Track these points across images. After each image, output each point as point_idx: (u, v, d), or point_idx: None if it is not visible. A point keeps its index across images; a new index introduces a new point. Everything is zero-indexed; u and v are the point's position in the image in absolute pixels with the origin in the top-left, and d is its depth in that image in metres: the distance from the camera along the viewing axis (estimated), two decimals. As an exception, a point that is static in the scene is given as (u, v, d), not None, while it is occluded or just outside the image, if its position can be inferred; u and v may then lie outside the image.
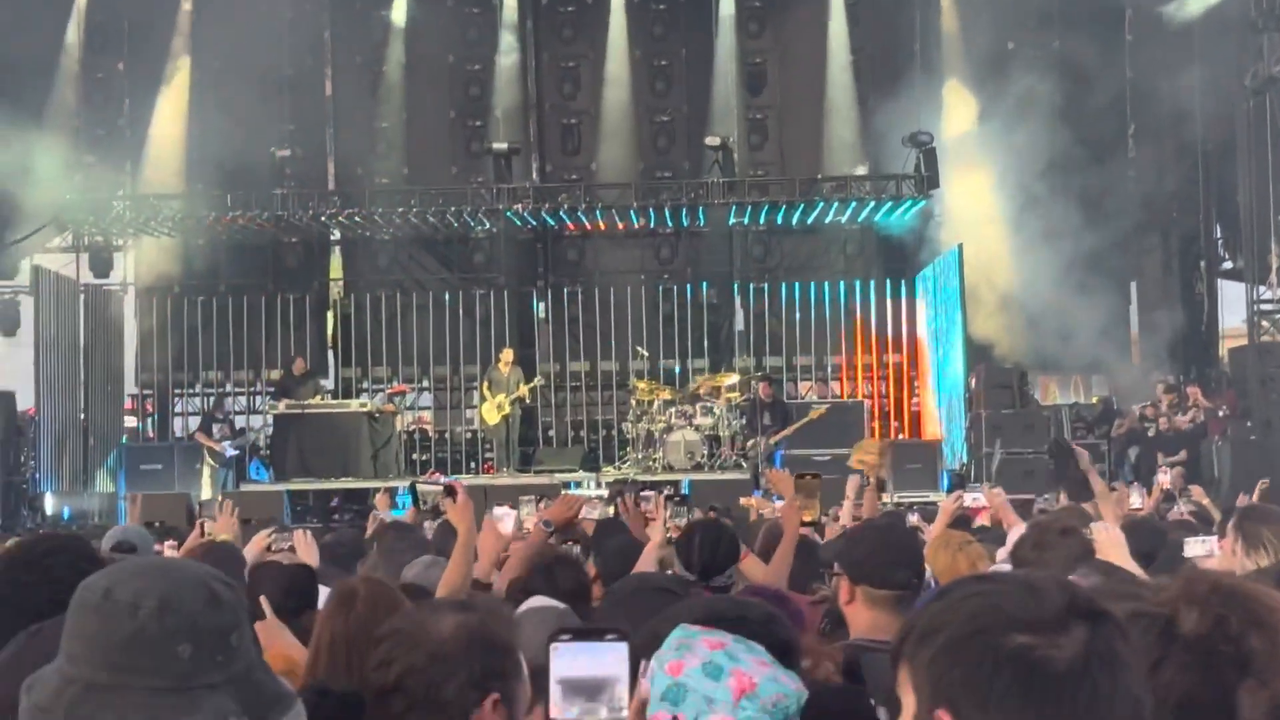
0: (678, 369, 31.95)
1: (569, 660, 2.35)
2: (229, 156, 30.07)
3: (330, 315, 33.50)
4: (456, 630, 3.77)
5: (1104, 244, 30.21)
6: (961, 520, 11.55)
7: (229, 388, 32.69)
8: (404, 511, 16.06)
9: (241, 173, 30.29)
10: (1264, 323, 28.11)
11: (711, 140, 30.73)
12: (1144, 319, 32.47)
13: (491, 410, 29.32)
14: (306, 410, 28.80)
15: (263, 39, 30.57)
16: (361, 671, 5.02)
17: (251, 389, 32.95)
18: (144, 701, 2.85)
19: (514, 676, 3.72)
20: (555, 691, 2.32)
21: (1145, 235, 32.35)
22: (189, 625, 2.89)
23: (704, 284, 32.74)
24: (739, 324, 32.83)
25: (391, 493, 21.67)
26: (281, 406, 29.07)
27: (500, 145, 30.71)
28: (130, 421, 33.33)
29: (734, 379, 28.96)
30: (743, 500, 20.71)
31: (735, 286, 32.91)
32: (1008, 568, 7.31)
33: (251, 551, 9.87)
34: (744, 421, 28.07)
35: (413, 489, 18.98)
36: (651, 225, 32.25)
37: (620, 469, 28.40)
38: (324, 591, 6.72)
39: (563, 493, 9.40)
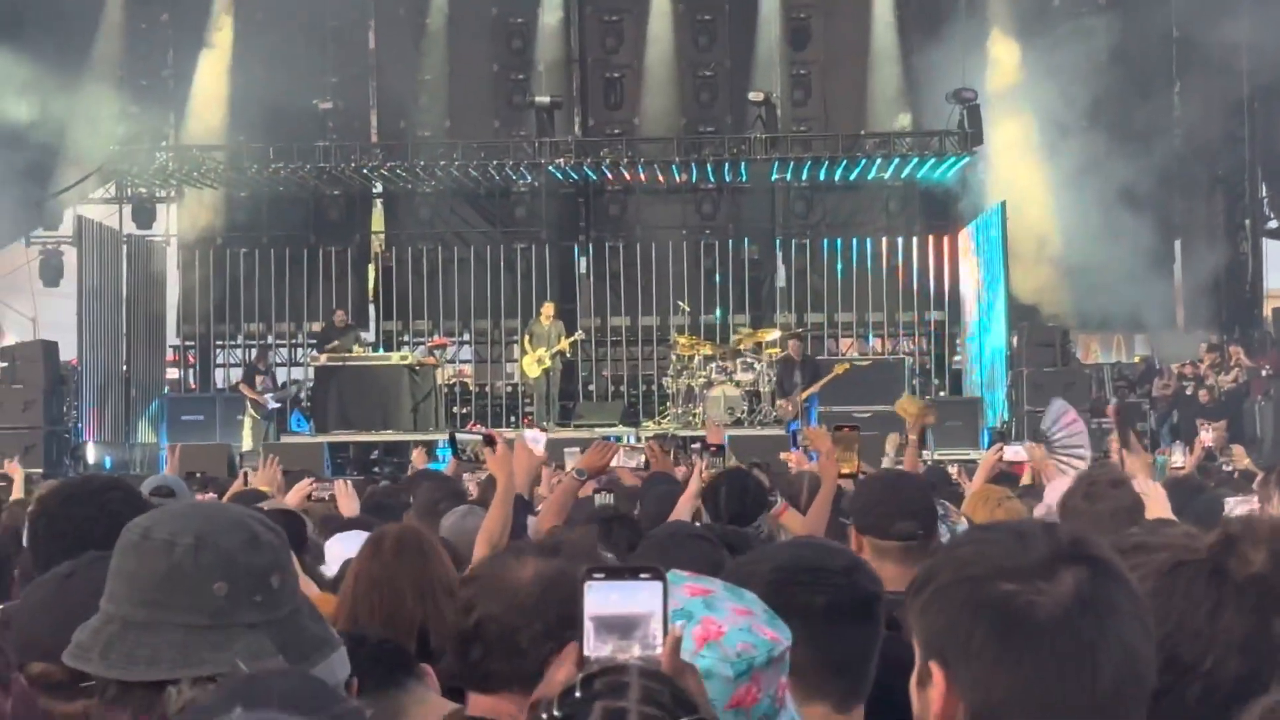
0: (719, 324, 31.91)
1: (602, 598, 2.34)
2: (272, 109, 30.11)
3: (371, 268, 33.53)
4: (534, 579, 3.72)
5: (1148, 202, 30.07)
6: (1004, 477, 11.53)
7: (270, 340, 32.76)
8: (444, 465, 16.08)
9: (284, 125, 30.33)
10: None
11: (755, 95, 30.67)
12: (1188, 278, 32.33)
13: (532, 364, 29.33)
14: (347, 363, 28.85)
15: (306, -9, 30.61)
16: (387, 615, 5.06)
17: (293, 341, 33.03)
18: (179, 639, 2.86)
19: None
20: (588, 629, 2.31)
21: (1190, 194, 32.19)
22: (225, 563, 2.89)
23: (745, 239, 32.66)
24: (780, 280, 32.76)
25: (430, 447, 21.74)
26: (323, 359, 29.13)
27: (543, 99, 30.70)
28: (172, 373, 33.47)
29: (775, 335, 28.91)
30: (782, 455, 20.68)
31: (777, 242, 32.83)
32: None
33: (293, 500, 9.90)
34: (776, 381, 27.99)
35: (452, 439, 19.04)
36: (693, 180, 32.20)
37: (660, 424, 28.39)
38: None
39: (596, 440, 9.35)
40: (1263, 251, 32.69)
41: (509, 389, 32.46)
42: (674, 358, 28.70)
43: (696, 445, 11.05)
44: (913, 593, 2.58)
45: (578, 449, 11.09)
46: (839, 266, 32.32)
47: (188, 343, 33.41)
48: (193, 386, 33.15)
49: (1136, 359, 32.22)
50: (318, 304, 32.33)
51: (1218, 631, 2.72)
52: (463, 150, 30.61)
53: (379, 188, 33.24)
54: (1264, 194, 32.71)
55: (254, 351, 31.83)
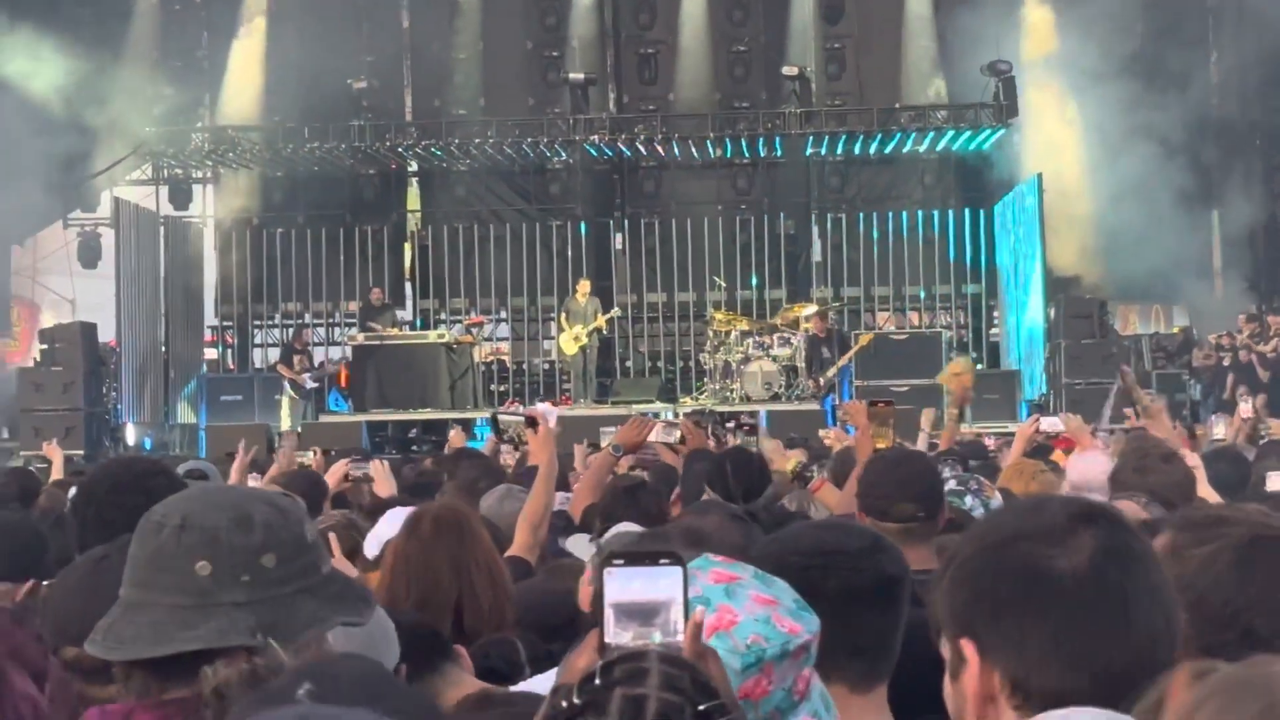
0: (755, 300, 31.88)
1: (622, 585, 2.34)
2: (307, 88, 30.17)
3: (408, 247, 33.57)
4: None
5: (1186, 172, 29.92)
6: (1042, 448, 11.50)
7: (307, 319, 32.84)
8: (483, 443, 16.11)
9: (319, 105, 30.35)
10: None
11: (789, 70, 30.61)
12: (1226, 248, 32.19)
13: (569, 341, 29.35)
14: (385, 342, 28.90)
15: (339, -30, 30.66)
16: (422, 594, 5.08)
17: (330, 320, 33.11)
18: (161, 618, 2.88)
19: None
20: (609, 616, 2.31)
21: (1228, 163, 32.01)
22: (208, 542, 2.91)
23: (781, 214, 32.62)
24: (816, 254, 32.70)
25: (468, 425, 21.78)
26: (360, 338, 29.19)
27: (577, 76, 30.69)
28: (210, 353, 33.58)
29: (811, 309, 28.85)
30: (821, 433, 20.69)
31: (812, 217, 32.78)
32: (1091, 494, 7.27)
33: (331, 479, 9.93)
34: (805, 358, 27.89)
35: (493, 419, 19.07)
36: (728, 155, 32.15)
37: (697, 400, 28.37)
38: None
39: (633, 416, 9.35)
40: (1302, 220, 32.51)
41: (546, 366, 32.51)
42: (710, 333, 28.66)
43: (730, 424, 11.06)
44: (937, 579, 2.60)
45: (614, 427, 11.09)
46: (875, 240, 32.25)
47: (225, 323, 33.52)
48: (231, 367, 33.25)
49: (1176, 330, 32.10)
50: (354, 283, 32.37)
51: None
52: (497, 128, 30.62)
53: (414, 166, 33.27)
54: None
55: (291, 332, 31.91)
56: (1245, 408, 13.48)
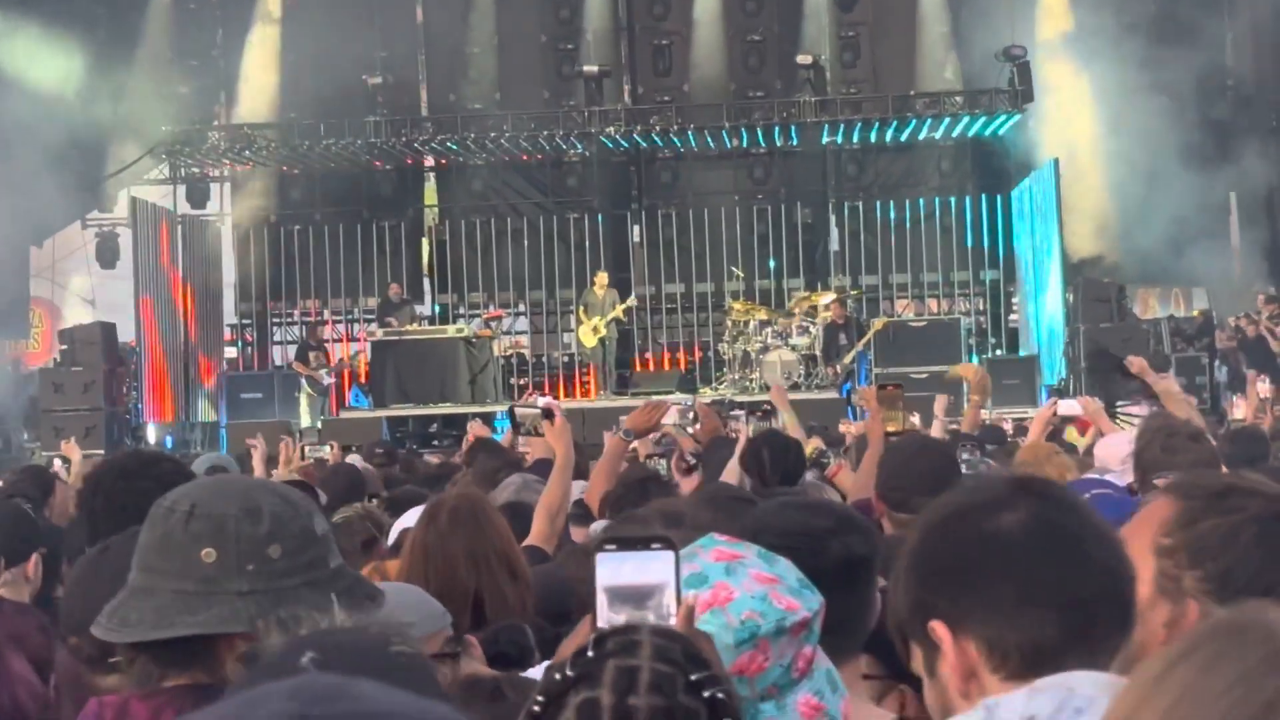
0: (773, 289, 31.87)
1: (614, 569, 2.35)
2: (322, 85, 30.16)
3: (425, 242, 33.61)
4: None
5: (1203, 154, 29.84)
6: (1053, 433, 11.48)
7: (326, 315, 32.89)
8: (501, 435, 16.12)
9: (334, 101, 30.35)
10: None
11: (803, 59, 30.58)
12: (1244, 230, 32.09)
13: (588, 333, 29.37)
14: (404, 337, 28.93)
15: (353, -34, 30.70)
16: (441, 584, 5.09)
17: (349, 316, 33.16)
18: (165, 602, 2.91)
19: None
20: (601, 600, 2.32)
21: (1245, 144, 31.89)
22: (214, 530, 2.93)
23: (798, 203, 32.61)
24: (834, 243, 32.68)
25: (488, 419, 21.79)
26: (379, 334, 29.24)
27: (591, 68, 30.69)
28: (230, 351, 33.63)
29: (829, 298, 28.86)
30: (841, 426, 20.64)
31: (830, 205, 32.76)
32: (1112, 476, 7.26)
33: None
34: (823, 345, 27.91)
35: (510, 412, 19.08)
36: (744, 145, 32.14)
37: (717, 390, 28.37)
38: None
39: (648, 400, 9.36)
40: (1320, 201, 32.40)
41: (565, 359, 32.51)
42: (729, 323, 28.66)
43: (740, 411, 11.05)
44: (893, 580, 2.65)
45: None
46: (892, 228, 32.23)
47: (244, 320, 33.58)
48: (250, 365, 33.30)
49: (1195, 313, 32.02)
50: (373, 279, 32.43)
51: None
52: (513, 121, 30.61)
53: (430, 161, 33.30)
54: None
55: (306, 329, 31.94)
56: (1264, 387, 13.47)
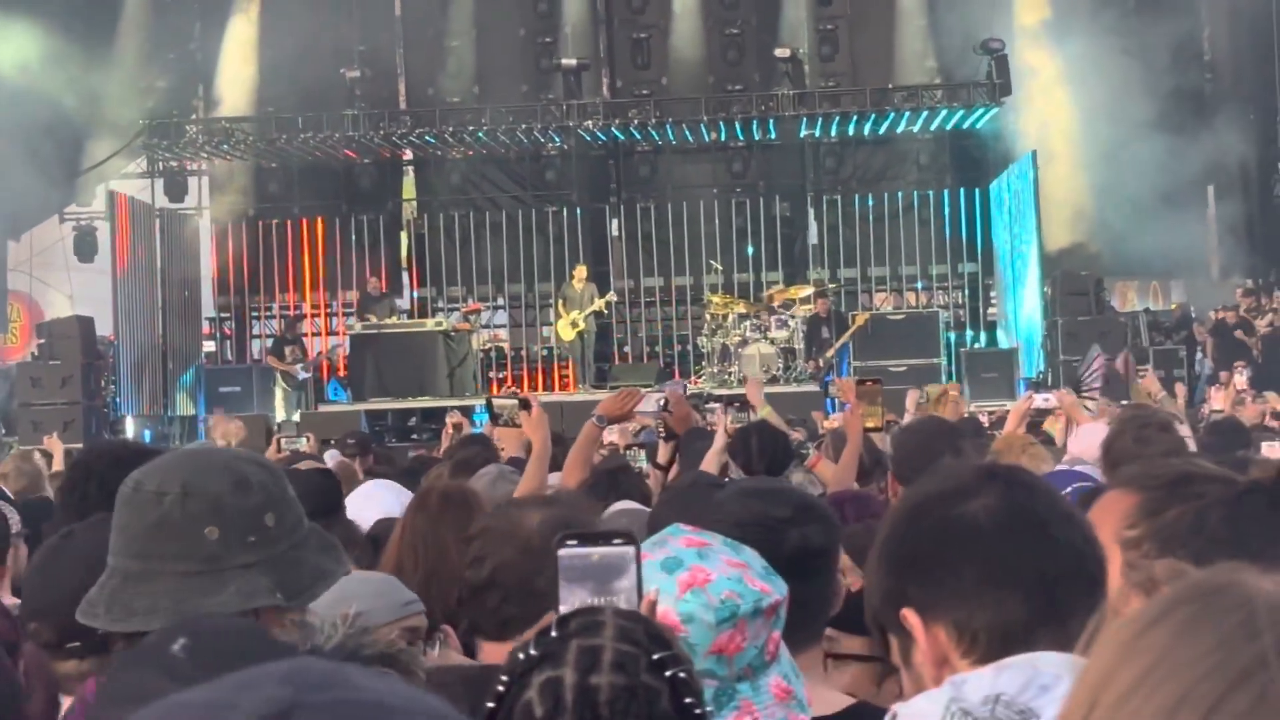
0: (752, 283, 31.90)
1: (576, 563, 2.38)
2: (300, 78, 30.15)
3: (404, 235, 33.61)
4: (543, 524, 3.89)
5: (1181, 147, 29.89)
6: (1031, 425, 11.52)
7: (305, 309, 32.87)
8: (480, 429, 16.12)
9: (312, 94, 30.33)
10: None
11: (782, 52, 30.58)
12: (1222, 223, 32.18)
13: (566, 327, 29.37)
14: (383, 330, 28.92)
15: (331, -40, 30.69)
16: (430, 568, 5.11)
17: (328, 310, 33.13)
18: (174, 586, 2.93)
19: None
20: (564, 594, 2.35)
21: (1222, 138, 31.97)
22: (213, 508, 2.96)
23: (777, 197, 32.62)
24: (812, 236, 32.72)
25: (467, 412, 21.76)
26: (358, 327, 29.24)
27: (570, 61, 30.66)
28: (208, 345, 33.58)
29: (808, 291, 28.91)
30: (825, 423, 20.64)
31: (808, 198, 32.79)
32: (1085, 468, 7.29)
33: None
34: (806, 339, 27.96)
35: (488, 404, 19.08)
36: (723, 139, 32.17)
37: (696, 384, 28.39)
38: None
39: (623, 388, 9.37)
40: (1297, 195, 32.50)
41: (544, 352, 32.51)
42: (708, 317, 28.70)
43: (718, 403, 11.10)
44: (866, 573, 2.67)
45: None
46: (871, 221, 32.26)
47: (222, 314, 33.54)
48: (229, 358, 33.26)
49: (1173, 306, 32.11)
50: (351, 273, 32.42)
51: None
52: (491, 115, 30.58)
53: (409, 155, 33.27)
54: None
55: (283, 323, 31.88)
56: (1240, 379, 13.51)
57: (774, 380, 26.87)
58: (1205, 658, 1.34)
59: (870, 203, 32.28)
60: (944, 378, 28.23)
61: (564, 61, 30.72)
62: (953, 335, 31.17)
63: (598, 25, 32.82)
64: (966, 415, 20.71)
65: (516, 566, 3.83)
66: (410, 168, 34.06)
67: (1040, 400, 11.26)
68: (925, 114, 30.46)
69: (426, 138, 31.22)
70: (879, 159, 32.90)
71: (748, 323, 27.81)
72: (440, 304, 32.66)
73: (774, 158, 32.95)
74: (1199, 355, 29.08)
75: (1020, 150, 29.95)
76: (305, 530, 3.10)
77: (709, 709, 2.20)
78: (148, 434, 28.77)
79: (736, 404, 9.53)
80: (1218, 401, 12.52)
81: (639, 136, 31.91)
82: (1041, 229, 28.57)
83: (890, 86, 30.64)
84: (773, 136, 32.05)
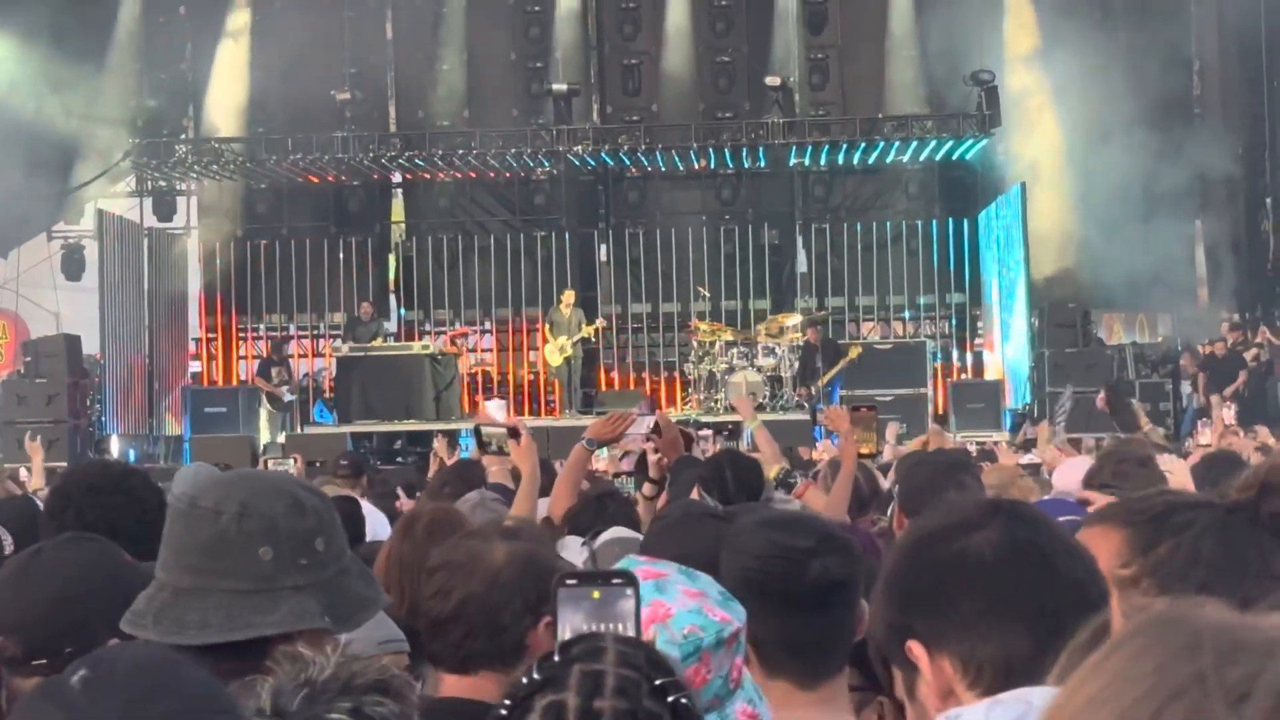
0: (739, 310, 31.92)
1: (575, 603, 2.40)
2: (290, 100, 30.20)
3: (392, 258, 33.60)
4: (509, 558, 3.88)
5: (1169, 181, 29.93)
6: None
7: (292, 331, 32.86)
8: (468, 454, 16.12)
9: (303, 116, 30.36)
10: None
11: (772, 80, 30.63)
12: (1210, 257, 32.22)
13: (554, 352, 29.37)
14: (369, 353, 28.92)
15: (323, -19, 30.76)
16: (414, 593, 5.10)
17: (314, 332, 33.12)
18: (226, 603, 2.99)
19: None
20: (563, 633, 2.36)
21: (1211, 172, 32.02)
22: (269, 529, 3.02)
23: (765, 224, 32.66)
24: (801, 265, 32.75)
25: (452, 436, 21.76)
26: (345, 349, 29.24)
27: (560, 86, 30.70)
28: (194, 365, 33.55)
29: (796, 319, 28.92)
30: (813, 453, 20.64)
31: (797, 227, 32.84)
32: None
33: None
34: (800, 367, 27.96)
35: (476, 431, 19.08)
36: (712, 166, 32.22)
37: (682, 410, 28.39)
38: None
39: (613, 411, 9.38)
40: (1285, 230, 32.57)
41: (531, 377, 32.50)
42: (695, 344, 28.70)
43: (706, 430, 11.10)
44: (872, 605, 2.68)
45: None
46: (859, 250, 32.30)
47: (209, 335, 33.51)
48: (215, 379, 33.23)
49: (1159, 339, 32.15)
50: (339, 295, 32.43)
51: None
52: (481, 139, 30.61)
53: (398, 177, 33.29)
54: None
55: (270, 345, 31.86)
56: (1228, 414, 13.54)
57: (760, 408, 26.83)
58: (1147, 677, 1.46)
59: (859, 231, 32.33)
60: (930, 408, 28.29)
61: (555, 86, 30.76)
62: (940, 366, 31.19)
63: (589, 50, 32.87)
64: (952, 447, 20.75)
65: (482, 600, 3.82)
66: (399, 190, 34.08)
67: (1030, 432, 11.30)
68: (915, 144, 30.51)
69: (416, 161, 31.24)
70: (868, 188, 32.97)
71: (735, 350, 27.82)
72: (427, 327, 32.67)
73: (763, 185, 33.01)
74: (1186, 389, 29.09)
75: (1009, 178, 30.00)
76: (349, 557, 3.16)
77: None
78: (132, 453, 28.73)
79: (726, 431, 9.52)
80: (1204, 437, 12.52)
81: (629, 162, 31.97)
82: (1029, 260, 28.61)
83: (880, 116, 30.69)
84: (762, 164, 32.11)
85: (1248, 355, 28.19)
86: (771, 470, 10.47)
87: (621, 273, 32.68)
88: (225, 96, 31.71)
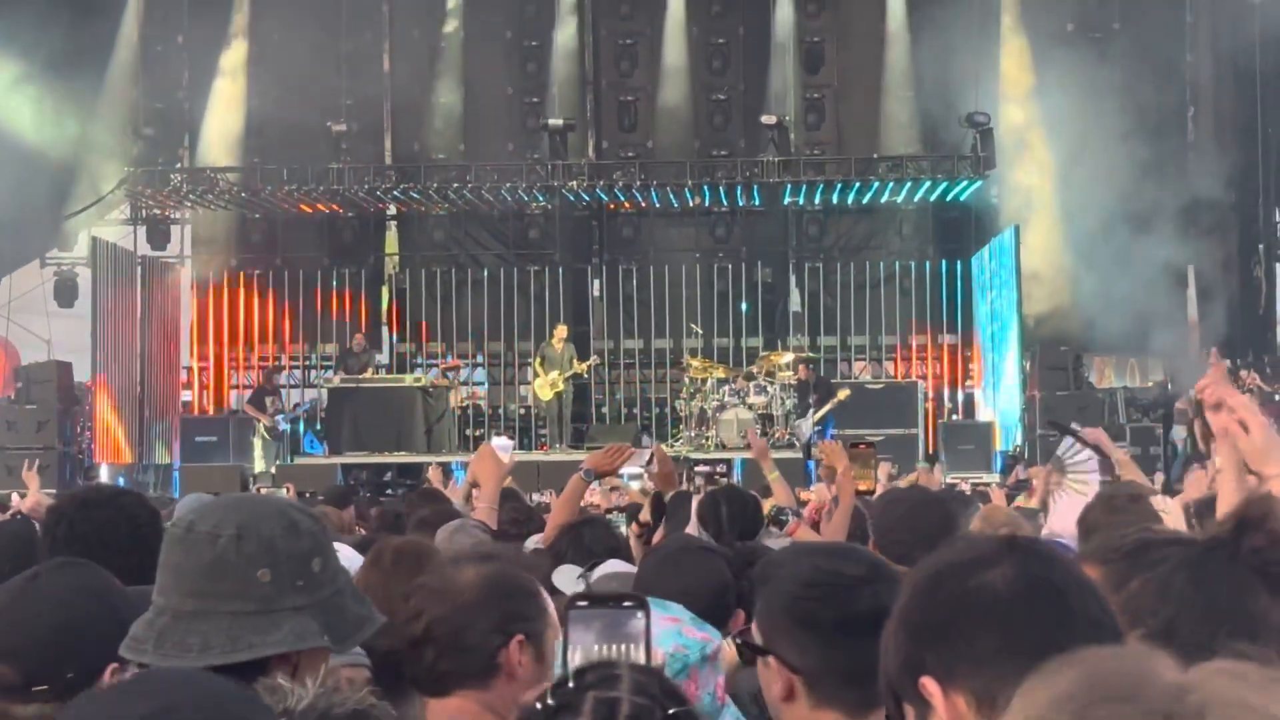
0: (731, 348, 31.93)
1: (585, 626, 2.40)
2: (286, 131, 30.25)
3: (385, 290, 33.62)
4: (475, 580, 3.97)
5: (1162, 227, 29.98)
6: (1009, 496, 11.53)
7: (284, 361, 32.85)
8: (461, 484, 16.09)
9: (298, 147, 30.41)
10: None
11: (768, 119, 30.68)
12: (1202, 303, 32.25)
13: (545, 387, 29.36)
14: (361, 384, 28.91)
15: (321, 13, 30.83)
16: (384, 625, 5.11)
17: (307, 362, 33.11)
18: (227, 625, 3.01)
19: (538, 618, 3.90)
20: (573, 655, 2.37)
21: (1203, 219, 32.08)
22: (267, 551, 3.05)
23: (759, 263, 32.69)
24: (794, 303, 32.78)
25: (444, 467, 21.74)
26: (336, 380, 29.22)
27: (556, 121, 30.74)
28: (186, 394, 33.52)
29: (788, 358, 28.91)
30: (802, 495, 20.61)
31: (790, 265, 32.88)
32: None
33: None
34: (795, 402, 27.97)
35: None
36: (707, 203, 32.28)
37: (673, 447, 28.35)
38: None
39: (612, 444, 9.39)
40: (1276, 276, 32.63)
41: (522, 411, 32.49)
42: (686, 380, 28.71)
43: (704, 467, 11.10)
44: (884, 639, 2.68)
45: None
46: (852, 290, 32.33)
47: (201, 364, 33.48)
48: (206, 408, 33.19)
49: (1149, 383, 32.16)
50: (331, 326, 32.43)
51: (1258, 611, 2.78)
52: (476, 173, 30.65)
53: (393, 210, 33.32)
54: (1278, 218, 32.66)
55: (263, 374, 31.84)
56: (1219, 460, 13.47)
57: (749, 447, 26.82)
58: (1059, 705, 1.60)
59: (852, 271, 32.36)
60: (920, 448, 28.27)
61: (550, 121, 30.80)
62: (931, 406, 31.18)
63: (585, 86, 32.95)
64: (943, 486, 20.74)
65: (448, 621, 3.90)
66: (394, 222, 34.10)
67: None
68: (909, 184, 30.58)
69: (411, 193, 31.26)
70: (862, 228, 33.01)
71: (726, 388, 27.81)
72: (419, 360, 32.66)
73: (757, 223, 33.05)
74: (1177, 434, 29.06)
75: (1003, 218, 30.06)
76: (344, 578, 3.21)
77: None
78: (122, 480, 28.67)
79: (720, 467, 9.53)
80: (1192, 488, 12.44)
81: (623, 198, 32.01)
82: (1022, 303, 28.64)
83: (875, 156, 30.76)
84: (756, 202, 32.16)
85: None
86: (764, 506, 10.47)
87: (614, 308, 32.70)
88: (221, 126, 31.74)
